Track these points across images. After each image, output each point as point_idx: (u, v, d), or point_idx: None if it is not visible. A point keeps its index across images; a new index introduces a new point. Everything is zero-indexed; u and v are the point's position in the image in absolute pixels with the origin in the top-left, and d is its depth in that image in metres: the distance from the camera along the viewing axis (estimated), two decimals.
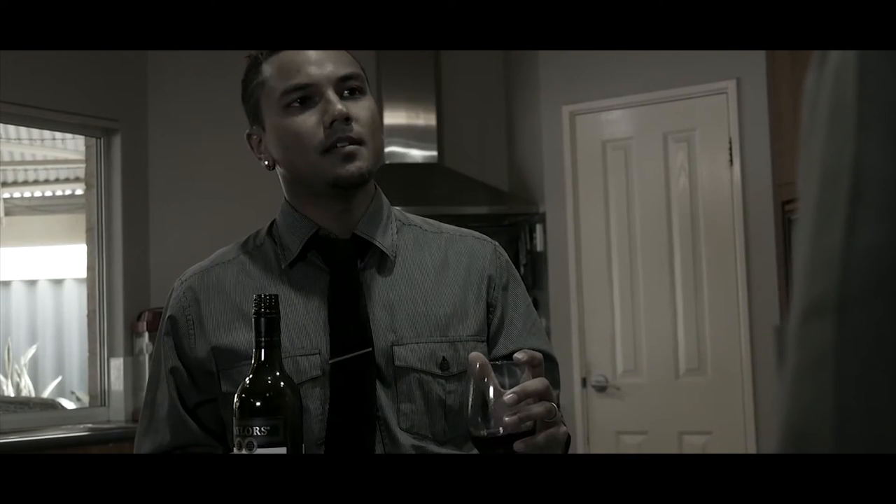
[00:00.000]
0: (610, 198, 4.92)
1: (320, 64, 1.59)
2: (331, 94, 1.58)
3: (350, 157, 1.57)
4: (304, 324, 1.60)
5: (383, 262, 1.64)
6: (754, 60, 4.57)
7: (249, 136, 1.68)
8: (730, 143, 4.66)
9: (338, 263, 1.62)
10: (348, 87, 1.60)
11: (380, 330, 1.59)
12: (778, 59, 4.41)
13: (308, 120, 1.58)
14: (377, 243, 1.63)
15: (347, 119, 1.57)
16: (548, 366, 1.58)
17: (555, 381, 1.65)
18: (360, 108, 1.60)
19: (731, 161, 4.65)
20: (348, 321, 1.59)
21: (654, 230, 4.81)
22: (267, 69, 1.62)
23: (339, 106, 1.57)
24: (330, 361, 1.57)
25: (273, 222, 1.70)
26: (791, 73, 4.28)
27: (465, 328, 1.63)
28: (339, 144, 1.57)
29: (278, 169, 1.66)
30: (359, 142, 1.58)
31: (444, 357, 1.60)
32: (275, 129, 1.62)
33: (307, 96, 1.59)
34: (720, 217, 4.67)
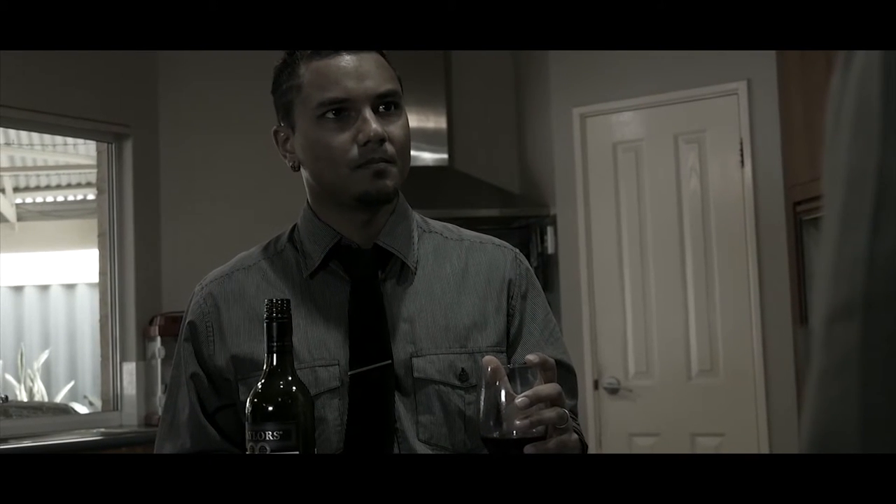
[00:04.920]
0: (621, 199, 4.92)
1: (360, 77, 1.57)
2: (367, 113, 1.56)
3: (380, 175, 1.57)
4: (324, 334, 1.59)
5: (404, 273, 1.64)
6: (764, 61, 4.56)
7: (276, 132, 1.67)
8: (741, 144, 4.65)
9: (359, 274, 1.62)
10: (385, 102, 1.59)
11: (399, 341, 1.59)
12: (788, 60, 4.40)
13: (342, 135, 1.56)
14: (399, 254, 1.63)
15: (382, 140, 1.56)
16: (564, 375, 1.58)
17: (571, 391, 1.64)
18: (395, 127, 1.59)
19: (742, 162, 4.65)
20: (368, 333, 1.59)
21: (665, 232, 4.80)
22: (304, 73, 1.59)
23: (375, 126, 1.55)
24: (349, 373, 1.57)
25: (294, 227, 1.69)
26: (801, 73, 4.27)
27: (485, 339, 1.63)
28: (370, 163, 1.56)
29: (303, 173, 1.65)
30: (391, 161, 1.57)
31: (463, 368, 1.60)
32: (306, 137, 1.60)
33: (343, 109, 1.57)
34: (731, 218, 4.66)
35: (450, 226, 1.74)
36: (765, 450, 4.49)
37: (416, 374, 1.58)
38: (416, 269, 1.64)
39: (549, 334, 1.68)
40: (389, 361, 1.57)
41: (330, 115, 1.57)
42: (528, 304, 1.68)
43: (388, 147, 1.57)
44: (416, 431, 1.57)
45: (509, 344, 1.66)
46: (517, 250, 1.74)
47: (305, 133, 1.60)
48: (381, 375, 1.57)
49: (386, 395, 1.57)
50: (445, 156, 5.23)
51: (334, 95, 1.56)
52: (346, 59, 1.58)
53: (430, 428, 1.58)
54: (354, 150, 1.56)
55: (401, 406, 1.57)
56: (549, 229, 5.09)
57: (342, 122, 1.57)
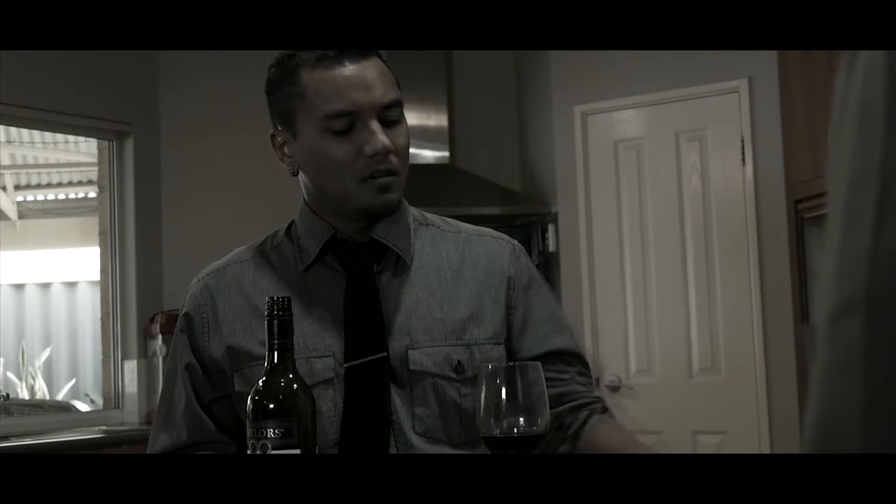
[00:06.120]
0: (622, 197, 4.91)
1: (365, 88, 1.57)
2: (374, 125, 1.56)
3: (385, 189, 1.57)
4: (320, 326, 1.60)
5: (400, 265, 1.64)
6: (766, 59, 4.55)
7: (273, 136, 1.65)
8: (742, 142, 4.64)
9: (354, 267, 1.62)
10: (389, 114, 1.58)
11: (395, 334, 1.59)
12: (790, 58, 4.40)
13: (347, 147, 1.56)
14: (394, 247, 1.63)
15: (388, 152, 1.56)
16: (574, 363, 1.64)
17: (583, 376, 1.68)
18: (399, 136, 1.59)
19: (743, 160, 4.64)
20: (364, 325, 1.59)
21: (666, 230, 4.80)
22: (308, 81, 1.58)
23: (383, 139, 1.55)
24: (345, 365, 1.57)
25: (292, 223, 1.70)
26: (803, 71, 4.26)
27: (482, 331, 1.63)
28: (375, 175, 1.56)
29: (302, 178, 1.65)
30: (395, 173, 1.58)
31: (458, 360, 1.60)
32: (310, 146, 1.59)
33: (349, 121, 1.56)
34: (733, 216, 4.66)
35: (448, 219, 1.75)
36: (766, 447, 4.49)
37: (412, 367, 1.58)
38: (411, 261, 1.64)
39: (556, 323, 1.69)
40: (385, 354, 1.57)
41: (336, 127, 1.56)
42: (532, 295, 1.68)
43: (394, 159, 1.57)
44: (412, 424, 1.58)
45: (516, 336, 1.66)
46: (515, 241, 1.75)
47: (308, 142, 1.59)
48: (377, 368, 1.57)
49: (382, 388, 1.57)
50: (447, 154, 5.22)
51: (341, 108, 1.56)
52: (350, 69, 1.57)
53: (426, 421, 1.59)
54: (360, 162, 1.56)
55: (397, 399, 1.58)
56: (551, 227, 5.09)
57: (347, 133, 1.56)
